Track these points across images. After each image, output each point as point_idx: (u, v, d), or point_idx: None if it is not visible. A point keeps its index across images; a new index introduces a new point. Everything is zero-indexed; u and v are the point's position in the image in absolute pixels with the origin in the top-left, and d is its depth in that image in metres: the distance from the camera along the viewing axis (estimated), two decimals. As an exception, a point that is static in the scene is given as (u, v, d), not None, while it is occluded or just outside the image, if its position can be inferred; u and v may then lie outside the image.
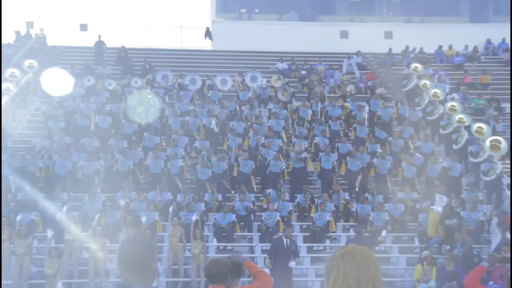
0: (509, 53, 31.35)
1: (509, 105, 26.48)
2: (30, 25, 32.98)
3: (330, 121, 21.99)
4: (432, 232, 17.25)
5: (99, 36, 30.42)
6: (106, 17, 67.71)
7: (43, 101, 24.19)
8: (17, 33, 31.93)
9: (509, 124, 24.44)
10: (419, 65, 25.91)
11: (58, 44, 32.34)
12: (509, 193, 18.99)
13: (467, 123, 21.20)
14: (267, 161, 19.64)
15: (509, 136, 22.48)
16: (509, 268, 6.62)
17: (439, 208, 17.20)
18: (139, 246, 3.28)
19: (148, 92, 23.55)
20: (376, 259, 2.95)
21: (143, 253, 3.22)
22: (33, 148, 20.01)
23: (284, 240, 15.83)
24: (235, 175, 19.62)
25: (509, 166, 19.69)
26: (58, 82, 23.79)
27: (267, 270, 15.20)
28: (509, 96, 26.11)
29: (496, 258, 13.72)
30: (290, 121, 22.92)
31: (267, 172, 19.60)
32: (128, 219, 16.76)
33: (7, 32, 34.26)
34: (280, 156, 19.78)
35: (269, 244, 17.69)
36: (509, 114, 25.82)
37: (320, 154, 19.99)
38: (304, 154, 19.44)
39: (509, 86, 28.15)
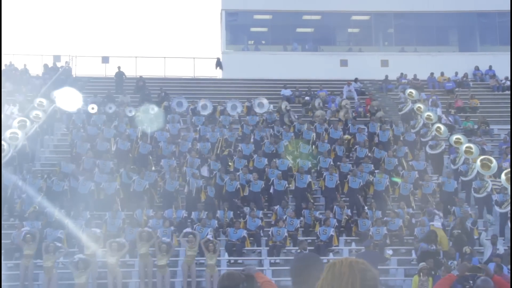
0: (495, 79, 31.37)
1: (496, 126, 26.48)
2: (57, 58, 33.21)
3: (335, 145, 21.96)
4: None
5: (119, 67, 30.55)
6: (126, 50, 68.22)
7: (70, 127, 24.28)
8: (45, 65, 32.17)
9: (497, 144, 24.39)
10: (413, 91, 25.95)
11: (82, 75, 32.56)
12: (497, 209, 18.82)
13: (463, 143, 21.18)
14: (271, 181, 19.57)
15: (498, 155, 22.39)
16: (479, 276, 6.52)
17: (439, 223, 17.22)
18: None
19: (151, 108, 24.50)
20: (358, 270, 2.83)
21: None
22: (61, 170, 19.89)
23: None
24: (246, 194, 19.54)
25: (498, 183, 19.53)
26: (70, 100, 24.38)
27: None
28: (496, 119, 26.08)
29: (467, 267, 13.35)
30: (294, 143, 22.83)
31: (272, 191, 19.50)
32: (143, 235, 16.70)
33: (36, 65, 34.57)
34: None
35: (278, 258, 17.63)
36: (497, 135, 25.79)
37: (324, 173, 19.91)
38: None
39: (496, 109, 28.16)
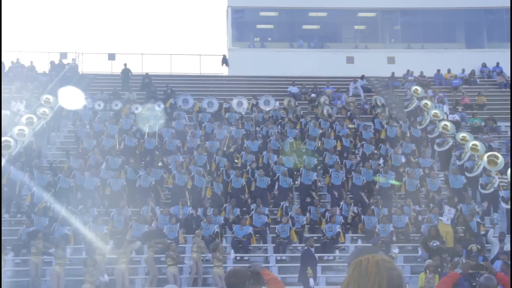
0: (503, 76, 31.23)
1: (503, 123, 26.37)
2: (63, 55, 33.26)
3: (342, 138, 22.02)
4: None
5: (125, 64, 30.60)
6: (132, 47, 68.33)
7: (76, 124, 24.33)
8: (52, 63, 32.23)
9: (504, 141, 24.31)
10: (418, 88, 25.89)
11: (88, 72, 32.62)
12: (504, 205, 18.77)
13: (469, 141, 21.10)
14: (276, 176, 19.58)
15: (505, 152, 22.33)
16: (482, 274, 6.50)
17: (448, 220, 17.14)
18: None
19: (156, 106, 24.63)
20: (384, 269, 2.81)
21: None
22: (69, 165, 19.97)
23: (312, 249, 15.80)
24: (253, 190, 19.57)
25: (505, 180, 19.47)
26: (72, 98, 24.46)
27: (311, 280, 15.13)
28: (503, 116, 25.97)
29: (470, 265, 13.27)
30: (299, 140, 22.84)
31: (276, 188, 19.55)
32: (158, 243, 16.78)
33: (42, 62, 34.67)
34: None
35: (284, 255, 17.66)
36: (504, 132, 25.70)
37: (330, 170, 19.90)
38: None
39: (503, 106, 28.04)
